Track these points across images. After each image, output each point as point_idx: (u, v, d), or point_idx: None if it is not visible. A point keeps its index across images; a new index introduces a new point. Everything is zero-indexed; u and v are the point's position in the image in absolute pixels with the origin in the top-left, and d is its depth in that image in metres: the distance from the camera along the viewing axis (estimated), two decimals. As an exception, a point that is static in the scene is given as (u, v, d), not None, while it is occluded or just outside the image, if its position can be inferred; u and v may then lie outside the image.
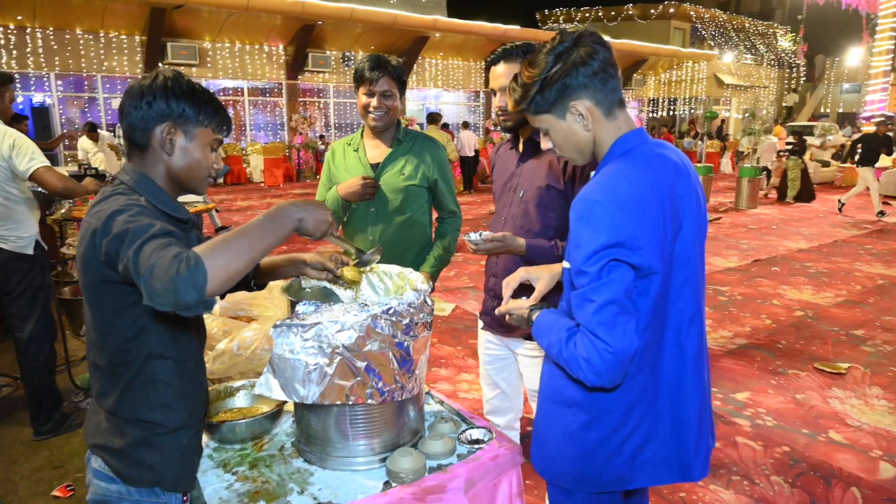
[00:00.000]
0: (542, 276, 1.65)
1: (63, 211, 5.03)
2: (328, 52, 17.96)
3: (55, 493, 2.85)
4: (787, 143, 14.96)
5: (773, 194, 13.71)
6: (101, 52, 14.88)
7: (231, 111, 16.80)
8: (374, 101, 2.39)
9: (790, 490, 2.89)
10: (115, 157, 9.73)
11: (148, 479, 1.36)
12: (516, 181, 2.10)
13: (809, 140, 18.32)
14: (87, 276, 1.30)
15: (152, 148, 1.36)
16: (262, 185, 16.07)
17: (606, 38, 1.45)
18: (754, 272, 7.08)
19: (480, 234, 1.91)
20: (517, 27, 19.88)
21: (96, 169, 8.46)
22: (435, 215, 2.65)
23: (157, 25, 14.48)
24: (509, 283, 1.67)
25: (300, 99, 18.11)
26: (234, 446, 1.65)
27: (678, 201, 1.38)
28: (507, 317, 1.64)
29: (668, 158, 1.42)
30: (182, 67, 15.62)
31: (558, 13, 31.81)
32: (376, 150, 2.53)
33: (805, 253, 8.09)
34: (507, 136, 2.23)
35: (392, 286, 1.79)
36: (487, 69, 2.09)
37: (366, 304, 1.44)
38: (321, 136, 17.92)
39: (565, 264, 1.43)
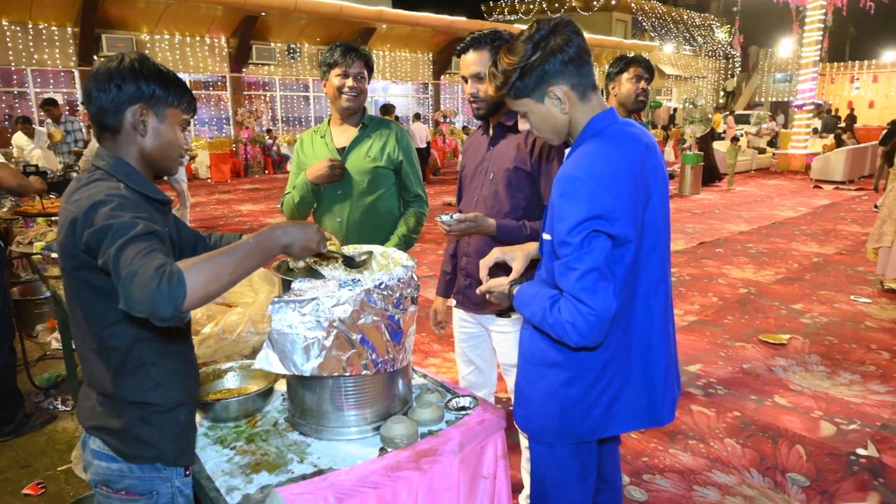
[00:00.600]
0: (518, 257, 1.76)
1: (5, 210, 4.86)
2: (273, 45, 17.65)
3: (26, 491, 2.81)
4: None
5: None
6: (31, 44, 14.20)
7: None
8: (349, 82, 2.45)
9: (742, 450, 3.09)
10: (52, 153, 9.35)
11: (149, 455, 1.40)
12: (486, 164, 2.19)
13: (746, 128, 19.12)
14: (68, 262, 1.31)
15: (125, 130, 1.37)
16: (209, 181, 15.72)
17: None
18: (700, 254, 7.40)
19: (452, 216, 1.99)
20: (463, 18, 19.98)
21: (36, 166, 8.14)
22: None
23: (91, 16, 13.92)
24: (486, 263, 1.77)
25: (245, 92, 17.74)
26: (229, 424, 1.69)
27: (648, 174, 1.51)
28: (487, 295, 1.74)
29: (637, 136, 1.54)
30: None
31: (503, 4, 32.06)
32: (343, 135, 2.59)
33: (746, 235, 8.50)
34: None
35: (376, 265, 1.86)
36: (458, 56, 2.17)
37: (359, 280, 1.51)
38: (268, 130, 17.62)
39: (546, 236, 1.54)
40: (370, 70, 2.54)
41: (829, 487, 2.78)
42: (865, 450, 3.09)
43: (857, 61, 32.87)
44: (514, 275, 1.73)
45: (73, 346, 3.64)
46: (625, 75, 3.14)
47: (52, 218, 4.20)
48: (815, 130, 17.39)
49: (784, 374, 4.02)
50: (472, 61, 2.10)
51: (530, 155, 2.08)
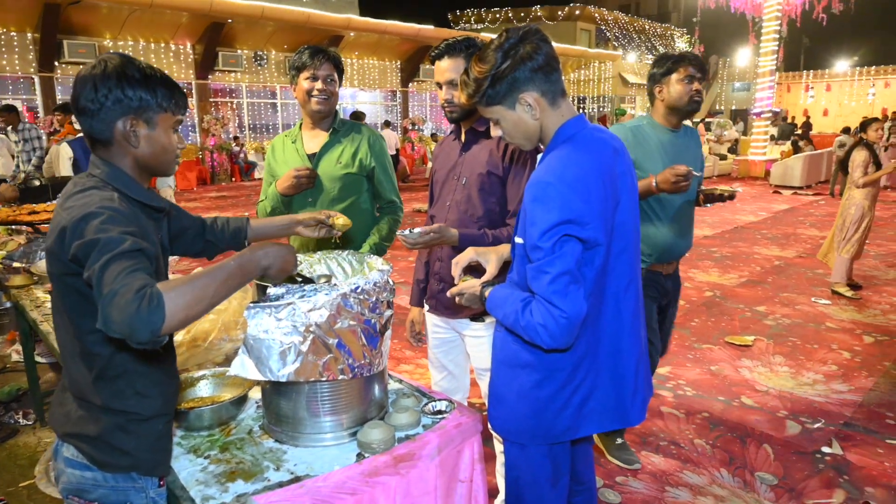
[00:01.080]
0: (491, 259, 1.78)
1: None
2: (240, 51, 17.48)
3: (-15, 508, 2.71)
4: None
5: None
6: (-11, 50, 13.83)
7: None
8: (318, 84, 2.41)
9: (711, 451, 3.15)
10: (10, 160, 9.06)
11: (125, 464, 1.37)
12: (459, 169, 2.20)
13: (707, 136, 19.56)
14: (55, 267, 1.30)
15: (116, 141, 1.35)
16: (174, 188, 15.42)
17: None
18: (666, 258, 7.52)
19: (412, 230, 1.98)
20: (431, 27, 20.07)
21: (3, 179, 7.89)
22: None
23: (52, 22, 13.61)
24: (459, 262, 1.78)
25: (212, 99, 17.52)
26: (202, 433, 1.66)
27: (617, 179, 1.54)
28: (457, 298, 1.75)
29: (606, 141, 1.58)
30: (81, 66, 14.72)
31: (469, 14, 32.33)
32: (314, 140, 2.54)
33: (710, 239, 8.68)
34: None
35: (351, 270, 1.85)
36: (432, 62, 2.18)
37: (335, 284, 1.50)
38: (235, 138, 17.41)
39: (518, 240, 1.56)
40: (340, 72, 2.49)
41: (797, 485, 2.85)
42: (830, 448, 3.17)
43: (811, 70, 33.96)
44: (486, 276, 1.74)
45: (39, 357, 3.52)
46: (674, 76, 2.70)
47: (13, 227, 4.08)
48: (772, 137, 17.89)
49: (750, 374, 4.11)
50: (447, 68, 2.11)
51: (503, 159, 2.09)
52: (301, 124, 2.60)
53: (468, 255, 1.80)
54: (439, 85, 2.15)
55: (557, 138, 1.56)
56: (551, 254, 1.43)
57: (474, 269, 1.83)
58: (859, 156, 5.63)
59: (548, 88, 1.53)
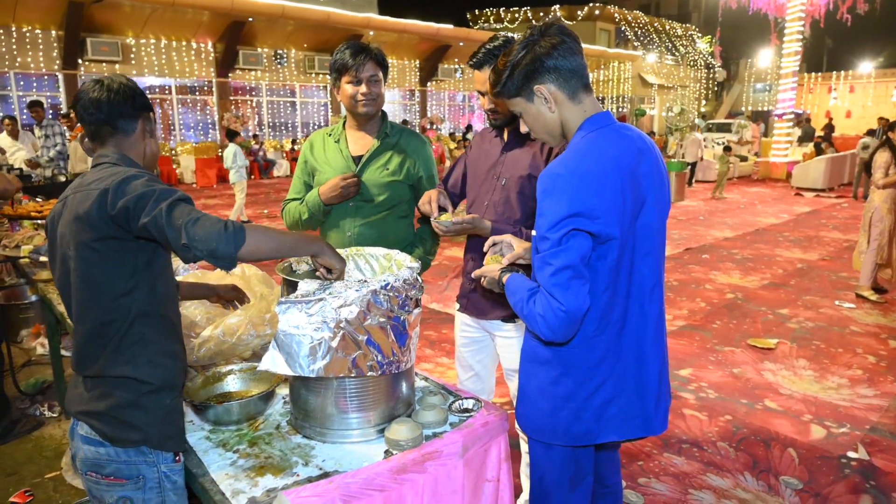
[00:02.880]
0: (522, 245, 1.77)
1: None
2: (260, 50, 17.61)
3: (13, 499, 2.75)
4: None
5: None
6: (14, 47, 14.04)
7: (158, 110, 16.22)
8: (362, 88, 2.26)
9: (735, 454, 3.11)
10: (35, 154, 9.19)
11: (134, 438, 1.44)
12: (499, 169, 2.15)
13: (728, 137, 19.38)
14: (85, 234, 1.39)
15: (135, 134, 1.56)
16: (194, 185, 15.60)
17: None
18: (687, 260, 7.47)
19: (451, 220, 1.99)
20: (450, 26, 20.08)
21: (20, 169, 8.01)
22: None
23: (76, 20, 13.81)
24: (495, 241, 1.80)
25: (231, 97, 17.66)
26: (230, 427, 1.67)
27: (641, 179, 1.52)
28: (482, 279, 1.75)
29: (631, 139, 1.56)
30: (104, 64, 14.97)
31: (489, 13, 32.26)
32: (360, 143, 2.40)
33: (731, 241, 8.59)
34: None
35: (378, 267, 1.85)
36: (473, 67, 2.12)
37: (365, 281, 1.50)
38: (255, 136, 17.53)
39: (533, 232, 1.56)
40: (385, 70, 2.33)
41: (822, 490, 2.81)
42: (856, 453, 3.12)
43: (834, 72, 33.48)
44: (505, 261, 1.74)
45: (64, 350, 3.57)
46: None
47: (39, 221, 4.14)
48: (799, 140, 17.65)
49: (773, 378, 4.06)
50: (484, 80, 2.05)
51: (545, 163, 2.04)
52: (345, 122, 2.46)
53: (505, 238, 1.80)
54: (481, 93, 2.10)
55: (580, 132, 1.55)
56: (557, 246, 1.43)
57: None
58: (881, 157, 5.54)
59: (565, 82, 1.52)
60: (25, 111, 8.34)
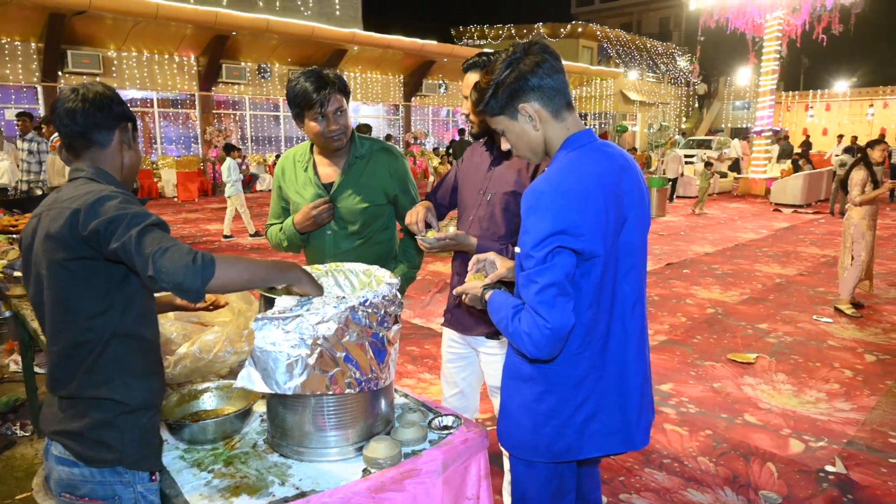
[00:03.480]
0: (506, 265, 1.77)
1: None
2: (243, 64, 17.57)
3: (-18, 520, 2.68)
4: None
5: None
6: (-8, 59, 13.90)
7: (140, 123, 16.09)
8: (331, 125, 2.17)
9: (715, 468, 3.12)
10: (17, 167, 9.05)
11: (109, 458, 1.40)
12: (486, 184, 2.14)
13: (708, 153, 19.64)
14: (58, 253, 1.36)
15: (111, 146, 1.50)
16: (176, 199, 15.46)
17: None
18: (668, 275, 7.53)
19: (435, 237, 2.00)
20: (434, 42, 20.20)
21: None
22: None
23: (56, 32, 13.68)
24: (478, 259, 1.79)
25: (214, 111, 17.58)
26: (206, 446, 1.64)
27: (623, 196, 1.54)
28: (463, 296, 1.75)
29: (613, 157, 1.57)
30: (84, 77, 14.84)
31: (472, 30, 32.55)
32: (329, 169, 2.34)
33: (711, 256, 8.68)
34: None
35: (358, 283, 1.84)
36: (464, 71, 2.14)
37: (343, 297, 1.49)
38: (238, 150, 17.43)
39: (517, 249, 1.56)
40: (347, 95, 2.23)
41: (801, 504, 2.83)
42: (834, 466, 3.15)
43: (811, 90, 34.16)
44: (489, 279, 1.74)
45: (37, 368, 3.49)
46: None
47: (14, 236, 4.07)
48: (777, 157, 17.95)
49: (753, 392, 4.09)
50: (473, 82, 2.06)
51: (531, 180, 2.03)
52: (312, 146, 2.37)
53: (489, 256, 1.80)
54: (466, 97, 2.08)
55: (562, 151, 1.57)
56: (542, 264, 1.44)
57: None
58: (858, 175, 5.66)
59: (549, 100, 1.53)
60: (2, 122, 8.14)
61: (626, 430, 1.63)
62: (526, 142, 1.58)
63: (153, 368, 1.50)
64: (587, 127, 1.60)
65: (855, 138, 16.96)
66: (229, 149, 10.18)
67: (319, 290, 1.51)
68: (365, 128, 11.89)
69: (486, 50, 2.12)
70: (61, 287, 1.38)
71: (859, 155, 5.86)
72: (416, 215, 2.11)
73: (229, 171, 9.74)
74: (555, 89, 1.53)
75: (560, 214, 1.42)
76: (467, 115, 2.11)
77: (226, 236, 9.88)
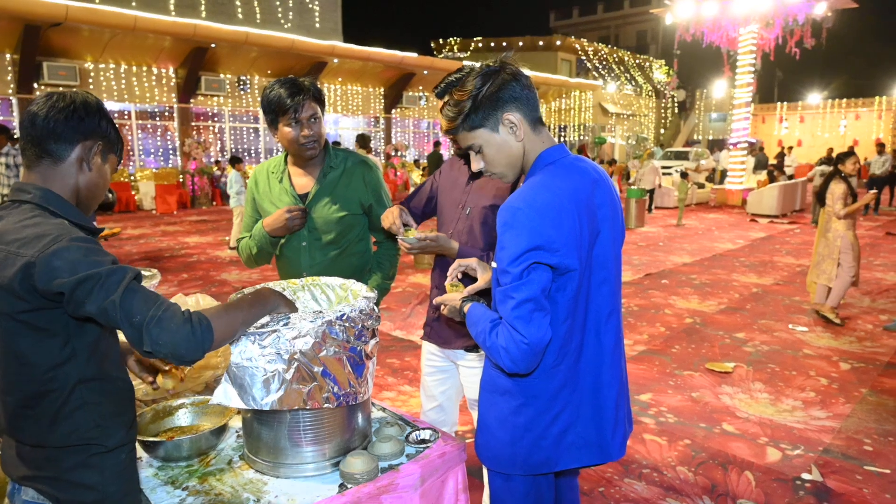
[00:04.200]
0: (483, 275, 1.77)
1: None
2: (223, 76, 17.50)
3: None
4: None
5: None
6: (-34, 71, 13.70)
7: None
8: (304, 131, 2.18)
9: (694, 478, 3.15)
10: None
11: (90, 499, 1.31)
12: (465, 198, 2.15)
13: (685, 164, 19.92)
14: (7, 306, 1.21)
15: (68, 161, 1.32)
16: (154, 212, 15.31)
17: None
18: (647, 285, 7.60)
19: (411, 236, 1.98)
20: (414, 55, 20.29)
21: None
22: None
23: (32, 44, 13.53)
24: (460, 265, 1.80)
25: (193, 123, 17.47)
26: (180, 464, 1.62)
27: (596, 210, 1.56)
28: (442, 307, 1.76)
29: (586, 171, 1.59)
30: (61, 88, 14.65)
31: (452, 42, 32.82)
32: (304, 179, 2.35)
33: (689, 266, 8.78)
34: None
35: (335, 298, 1.84)
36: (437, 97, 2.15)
37: (320, 312, 1.49)
38: (217, 162, 17.35)
39: (494, 264, 1.56)
40: (322, 104, 2.25)
41: (778, 512, 2.85)
42: (810, 474, 3.19)
43: (785, 102, 34.88)
44: (470, 288, 1.75)
45: None
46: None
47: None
48: (754, 169, 18.23)
49: (731, 401, 4.13)
50: None
51: (510, 193, 2.02)
52: (286, 157, 2.37)
53: (471, 262, 1.80)
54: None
55: (537, 165, 1.58)
56: (518, 279, 1.45)
57: (474, 280, 1.83)
58: (838, 189, 5.73)
59: (528, 112, 1.56)
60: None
61: (601, 442, 1.64)
62: (506, 154, 1.57)
63: (124, 405, 1.39)
64: (559, 142, 1.63)
65: (830, 150, 17.33)
66: (234, 161, 10.21)
67: (294, 310, 1.51)
68: (336, 144, 11.89)
69: (460, 71, 2.11)
70: (14, 339, 1.24)
71: (832, 168, 5.97)
72: (392, 216, 2.10)
73: (232, 182, 9.87)
74: (531, 102, 1.56)
75: (536, 230, 1.44)
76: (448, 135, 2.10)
77: (231, 248, 9.91)
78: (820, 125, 33.11)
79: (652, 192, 14.89)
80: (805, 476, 3.17)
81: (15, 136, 7.89)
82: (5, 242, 1.21)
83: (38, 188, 1.29)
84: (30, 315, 1.21)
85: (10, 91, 14.23)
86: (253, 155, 19.33)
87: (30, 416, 1.27)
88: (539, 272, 1.45)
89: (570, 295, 1.52)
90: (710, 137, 36.26)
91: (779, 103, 35.23)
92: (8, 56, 14.13)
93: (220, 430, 1.69)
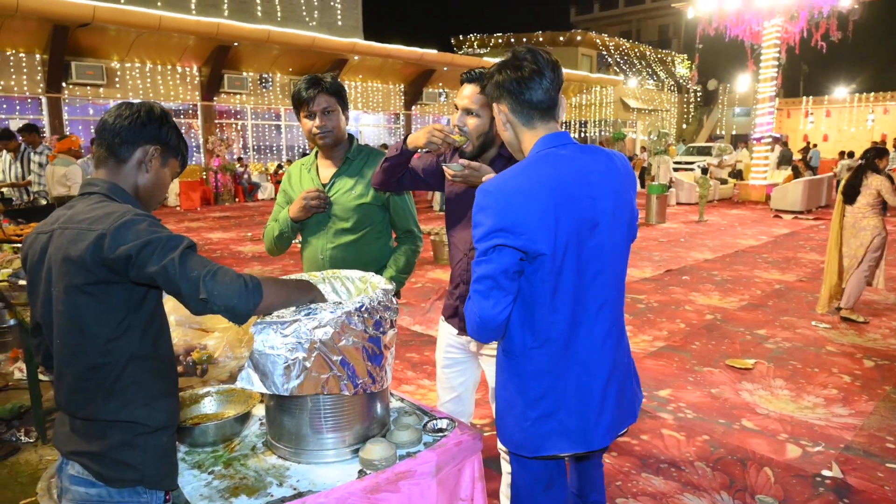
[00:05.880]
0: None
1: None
2: (245, 74, 17.71)
3: (-14, 525, 2.71)
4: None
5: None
6: (-3, 70, 14.03)
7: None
8: (316, 121, 2.37)
9: (712, 473, 3.15)
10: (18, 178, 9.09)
11: (131, 478, 1.39)
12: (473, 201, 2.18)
13: (708, 160, 19.68)
14: (76, 278, 1.34)
15: (130, 163, 1.48)
16: (178, 208, 15.55)
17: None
18: (667, 281, 7.56)
19: (459, 163, 1.98)
20: (434, 51, 20.32)
21: (1, 193, 7.95)
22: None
23: (61, 44, 13.84)
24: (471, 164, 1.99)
25: (216, 121, 17.70)
26: (206, 449, 1.68)
27: (589, 200, 1.58)
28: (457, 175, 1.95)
29: (584, 163, 1.61)
30: (88, 87, 14.97)
31: (472, 38, 32.74)
32: (328, 170, 2.51)
33: (710, 262, 8.71)
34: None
35: (354, 290, 1.88)
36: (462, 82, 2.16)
37: (340, 303, 1.53)
38: (239, 159, 17.56)
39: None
40: (341, 99, 2.41)
41: (796, 508, 2.85)
42: (830, 471, 3.17)
43: (811, 97, 34.26)
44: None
45: (42, 375, 3.54)
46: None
47: (19, 245, 4.12)
48: (779, 164, 17.95)
49: (751, 397, 4.12)
50: (468, 95, 2.07)
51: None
52: (317, 152, 2.57)
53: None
54: (457, 107, 2.11)
55: (531, 152, 1.65)
56: (482, 255, 1.55)
57: None
58: (884, 183, 5.54)
59: (518, 107, 1.64)
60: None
61: (584, 430, 1.65)
62: (505, 136, 1.73)
63: (170, 388, 1.49)
64: (563, 131, 1.66)
65: (852, 153, 17.03)
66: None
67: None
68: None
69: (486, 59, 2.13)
70: (78, 311, 1.36)
71: (864, 162, 5.79)
72: (439, 131, 2.06)
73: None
74: (525, 97, 1.62)
75: (502, 213, 1.52)
76: (460, 127, 2.09)
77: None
78: (847, 119, 32.48)
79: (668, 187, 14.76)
80: (825, 473, 3.15)
81: (43, 135, 8.09)
82: (76, 223, 1.36)
83: (106, 182, 1.46)
84: (95, 287, 1.34)
85: (40, 90, 14.55)
86: (275, 152, 19.53)
87: (85, 389, 1.38)
88: (502, 253, 1.53)
89: (545, 279, 1.56)
90: (734, 132, 35.75)
91: (804, 97, 34.64)
92: (38, 56, 14.44)
93: (244, 418, 1.75)
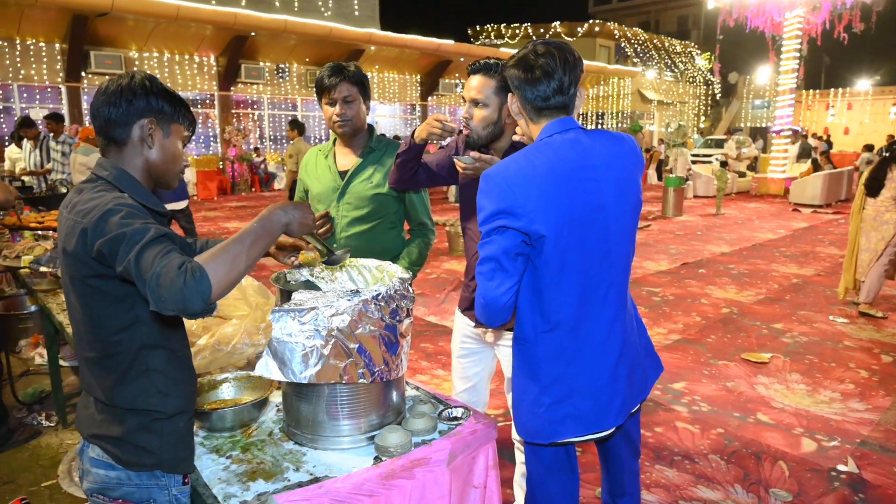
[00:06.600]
0: None
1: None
2: (262, 64, 17.76)
3: (9, 506, 2.78)
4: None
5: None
6: (18, 60, 14.17)
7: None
8: (336, 109, 2.39)
9: (726, 466, 3.14)
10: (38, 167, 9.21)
11: (149, 462, 1.41)
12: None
13: (725, 152, 19.45)
14: (77, 270, 1.33)
15: (131, 143, 1.42)
16: (195, 197, 15.67)
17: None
18: (683, 274, 7.51)
19: (470, 155, 1.96)
20: (451, 42, 20.25)
21: (22, 181, 8.06)
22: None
23: (80, 33, 13.95)
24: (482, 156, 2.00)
25: (233, 111, 17.79)
26: (224, 434, 1.71)
27: (597, 183, 1.60)
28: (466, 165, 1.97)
29: (585, 146, 1.62)
30: (107, 77, 15.08)
31: (489, 29, 32.54)
32: (347, 158, 2.53)
33: (727, 256, 8.64)
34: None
35: (371, 278, 1.90)
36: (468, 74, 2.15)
37: (357, 291, 1.55)
38: (256, 149, 17.65)
39: None
40: (363, 88, 2.42)
41: (812, 502, 2.83)
42: (846, 466, 3.15)
43: (832, 89, 33.71)
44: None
45: (62, 361, 3.60)
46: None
47: (39, 232, 4.19)
48: (798, 157, 17.69)
49: (766, 391, 4.09)
50: (474, 86, 2.05)
51: None
52: (335, 139, 2.59)
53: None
54: (465, 99, 2.10)
55: (538, 139, 1.68)
56: (486, 237, 1.59)
57: None
58: None
59: (527, 101, 1.66)
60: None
61: (596, 414, 1.68)
62: (519, 121, 1.75)
63: (185, 375, 1.49)
64: (568, 116, 1.67)
65: (872, 146, 16.78)
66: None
67: (307, 210, 1.46)
68: (299, 124, 11.56)
69: (500, 51, 2.14)
70: (86, 302, 1.36)
71: (888, 154, 5.68)
72: (438, 122, 2.11)
73: None
74: (536, 91, 1.63)
75: (502, 196, 1.55)
76: (468, 120, 2.08)
77: None
78: (868, 112, 31.94)
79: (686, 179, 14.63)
80: (841, 468, 3.13)
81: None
82: (74, 213, 1.32)
83: (115, 167, 1.41)
84: (95, 280, 1.32)
85: (60, 80, 14.70)
86: (290, 142, 19.59)
87: (100, 374, 1.40)
88: (504, 235, 1.56)
89: (549, 262, 1.58)
90: (750, 125, 35.30)
91: (826, 90, 34.08)
92: (57, 45, 14.59)
93: (262, 404, 1.77)
